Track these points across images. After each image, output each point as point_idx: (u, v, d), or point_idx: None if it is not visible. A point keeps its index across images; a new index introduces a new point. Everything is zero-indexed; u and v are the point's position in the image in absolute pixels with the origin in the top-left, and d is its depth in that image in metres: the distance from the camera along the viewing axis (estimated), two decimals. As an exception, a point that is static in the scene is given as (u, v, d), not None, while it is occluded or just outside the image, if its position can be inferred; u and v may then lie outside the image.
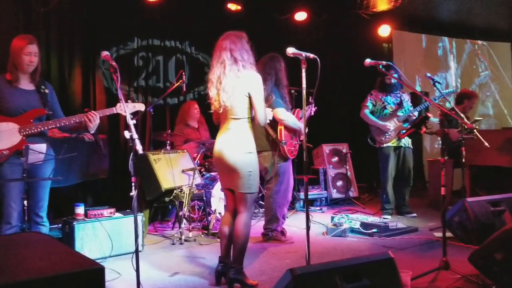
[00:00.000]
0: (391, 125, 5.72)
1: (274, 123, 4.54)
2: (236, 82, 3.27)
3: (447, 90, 5.81)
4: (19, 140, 3.28)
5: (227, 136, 3.33)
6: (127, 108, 3.03)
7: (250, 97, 3.31)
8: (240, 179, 3.29)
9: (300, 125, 4.67)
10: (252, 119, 3.39)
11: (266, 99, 4.49)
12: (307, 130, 4.64)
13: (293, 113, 4.80)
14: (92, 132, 3.49)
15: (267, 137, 4.65)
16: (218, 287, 3.43)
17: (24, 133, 3.29)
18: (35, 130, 3.32)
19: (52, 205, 3.66)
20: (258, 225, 5.20)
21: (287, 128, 4.63)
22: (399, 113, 5.75)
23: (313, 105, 4.81)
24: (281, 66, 4.64)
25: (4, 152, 3.25)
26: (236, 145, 3.30)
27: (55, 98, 3.60)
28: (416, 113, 5.71)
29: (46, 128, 3.38)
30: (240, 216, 3.35)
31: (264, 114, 3.36)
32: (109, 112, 3.42)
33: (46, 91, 3.50)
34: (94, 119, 3.36)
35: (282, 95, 4.63)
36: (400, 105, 5.83)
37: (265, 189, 4.82)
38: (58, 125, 3.39)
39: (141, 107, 3.46)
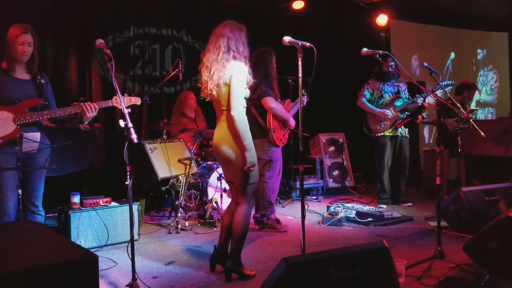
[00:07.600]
0: (389, 112, 5.71)
1: (263, 111, 4.71)
2: (222, 72, 3.18)
3: (445, 82, 5.75)
4: (13, 129, 3.25)
5: (222, 129, 3.28)
6: (123, 101, 3.01)
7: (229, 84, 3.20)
8: (238, 170, 3.25)
9: (287, 115, 4.83)
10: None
11: (256, 89, 4.59)
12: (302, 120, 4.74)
13: (283, 104, 4.94)
14: (86, 123, 3.48)
15: (257, 125, 4.70)
16: (212, 274, 3.44)
17: (19, 122, 3.27)
18: (30, 120, 3.30)
19: (48, 194, 3.65)
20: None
21: (276, 117, 4.74)
22: (396, 103, 5.74)
23: (305, 96, 4.93)
24: (271, 59, 4.75)
25: (-2, 140, 3.23)
26: (231, 137, 3.25)
27: (50, 89, 3.56)
28: (421, 100, 5.61)
29: (40, 118, 3.36)
30: (240, 208, 3.33)
31: (236, 102, 3.16)
32: (104, 104, 3.40)
33: (42, 81, 3.47)
34: (92, 110, 3.35)
35: (272, 86, 4.74)
36: (397, 94, 5.82)
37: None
38: (53, 115, 3.35)
39: (137, 101, 3.45)
